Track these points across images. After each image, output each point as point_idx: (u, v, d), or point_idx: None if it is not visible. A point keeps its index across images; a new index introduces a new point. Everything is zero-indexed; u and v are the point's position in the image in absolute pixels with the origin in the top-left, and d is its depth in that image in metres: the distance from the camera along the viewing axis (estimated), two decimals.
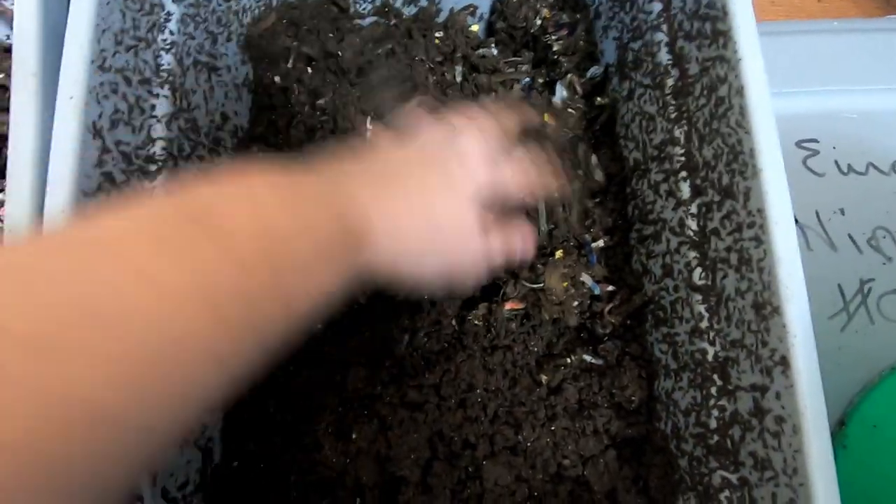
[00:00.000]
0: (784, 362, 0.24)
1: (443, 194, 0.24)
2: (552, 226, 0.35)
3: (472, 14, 0.43)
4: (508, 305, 0.35)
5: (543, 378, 0.35)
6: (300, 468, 0.33)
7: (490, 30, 0.44)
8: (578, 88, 0.38)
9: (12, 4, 0.37)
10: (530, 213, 0.35)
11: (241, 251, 0.15)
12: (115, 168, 0.26)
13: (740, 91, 0.26)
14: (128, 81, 0.28)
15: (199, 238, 0.15)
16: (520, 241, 0.28)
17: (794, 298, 0.24)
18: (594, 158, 0.38)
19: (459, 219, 0.24)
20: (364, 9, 0.43)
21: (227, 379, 0.15)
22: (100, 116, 0.25)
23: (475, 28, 0.43)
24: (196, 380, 0.14)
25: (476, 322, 0.35)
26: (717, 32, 0.28)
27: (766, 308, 0.25)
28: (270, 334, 0.16)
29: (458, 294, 0.33)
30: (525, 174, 0.28)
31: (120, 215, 0.15)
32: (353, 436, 0.33)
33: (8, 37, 0.39)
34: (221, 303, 0.15)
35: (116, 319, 0.13)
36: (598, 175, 0.38)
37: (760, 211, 0.25)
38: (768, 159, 0.25)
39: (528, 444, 0.33)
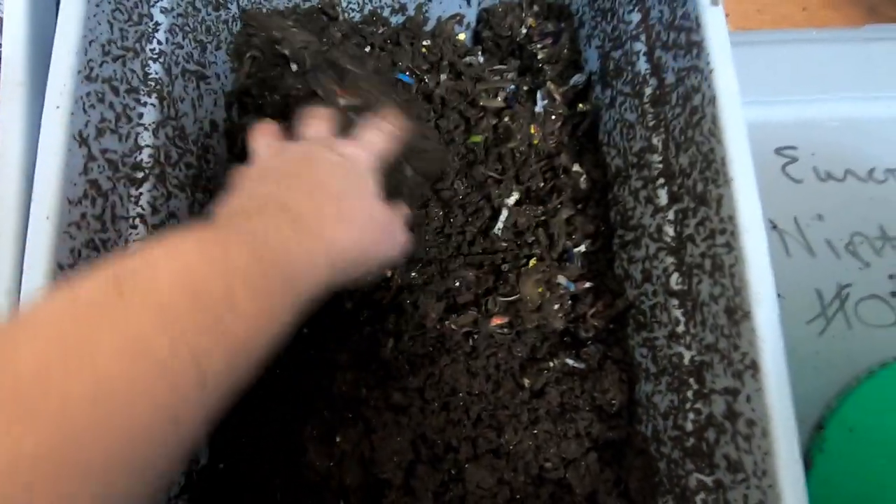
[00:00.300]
0: (754, 366, 0.24)
1: (353, 189, 0.26)
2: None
3: (460, 23, 0.44)
4: (494, 321, 0.35)
5: (526, 382, 0.35)
6: (285, 471, 0.33)
7: (477, 38, 0.45)
8: (557, 97, 0.39)
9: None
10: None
11: (166, 304, 0.16)
12: (101, 175, 0.27)
13: (712, 101, 0.27)
14: (115, 91, 0.28)
15: (126, 302, 0.15)
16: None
17: (763, 303, 0.24)
18: (577, 166, 0.39)
19: (375, 208, 0.26)
20: (353, 17, 0.43)
21: (184, 430, 0.16)
22: (86, 125, 0.26)
23: (462, 37, 0.44)
24: (150, 433, 0.15)
25: (459, 328, 0.35)
26: (692, 43, 0.28)
27: (738, 313, 0.25)
28: (216, 375, 0.16)
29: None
30: (384, 131, 0.30)
31: (56, 297, 0.16)
32: (338, 439, 0.33)
33: None
34: (161, 355, 0.15)
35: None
36: (583, 182, 0.39)
37: (731, 218, 0.26)
38: (739, 168, 0.26)
39: (511, 447, 0.34)
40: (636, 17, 0.34)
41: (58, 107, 0.25)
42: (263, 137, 0.29)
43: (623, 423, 0.34)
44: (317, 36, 0.42)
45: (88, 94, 0.26)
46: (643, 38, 0.33)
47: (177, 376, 0.15)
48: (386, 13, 0.42)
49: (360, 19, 0.43)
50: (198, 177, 0.36)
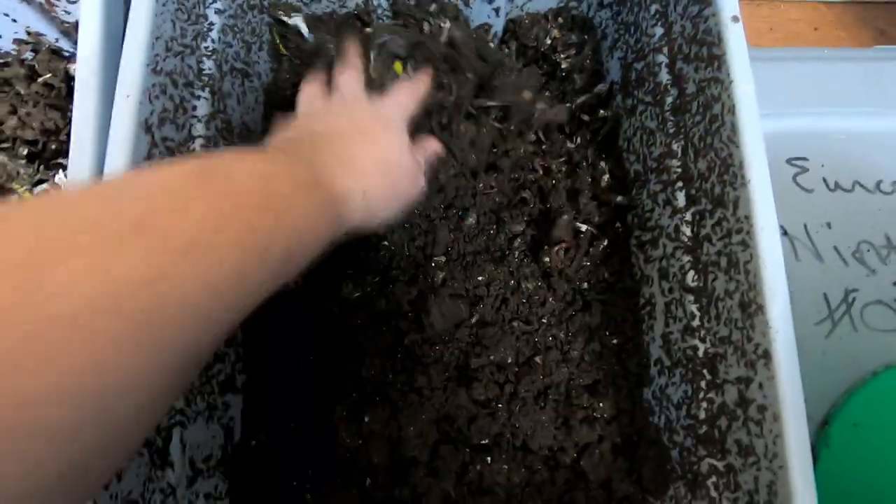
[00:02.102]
0: (766, 355, 0.26)
1: (386, 140, 0.29)
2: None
3: (487, 32, 0.46)
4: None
5: (539, 362, 0.37)
6: (315, 449, 0.35)
7: (502, 48, 0.47)
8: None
9: (65, 13, 0.40)
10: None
11: (242, 192, 0.18)
12: (161, 161, 0.29)
13: (732, 110, 0.29)
14: (175, 84, 0.31)
15: (209, 184, 0.18)
16: (432, 149, 0.35)
17: (776, 298, 0.26)
18: (602, 164, 0.41)
19: (404, 157, 0.29)
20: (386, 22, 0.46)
21: (244, 298, 0.18)
22: (151, 114, 0.28)
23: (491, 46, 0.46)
24: (223, 291, 0.16)
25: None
26: (713, 56, 0.30)
27: (752, 307, 0.27)
28: (274, 257, 0.18)
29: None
30: (412, 89, 0.34)
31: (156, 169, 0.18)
32: (366, 419, 0.35)
33: (57, 40, 0.42)
34: (241, 227, 0.17)
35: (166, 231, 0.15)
36: (605, 179, 0.41)
37: (748, 217, 0.28)
38: (755, 171, 0.27)
39: (528, 433, 0.35)
40: (659, 31, 0.36)
41: (128, 96, 0.27)
42: (307, 95, 0.32)
43: (637, 419, 0.36)
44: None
45: (154, 85, 0.28)
46: (666, 50, 0.35)
47: (246, 249, 0.17)
48: (413, 13, 0.44)
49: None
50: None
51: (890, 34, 0.66)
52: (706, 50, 0.31)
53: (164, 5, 0.29)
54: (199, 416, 0.31)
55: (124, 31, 0.28)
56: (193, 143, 0.32)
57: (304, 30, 0.43)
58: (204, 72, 0.33)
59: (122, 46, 0.28)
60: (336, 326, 0.37)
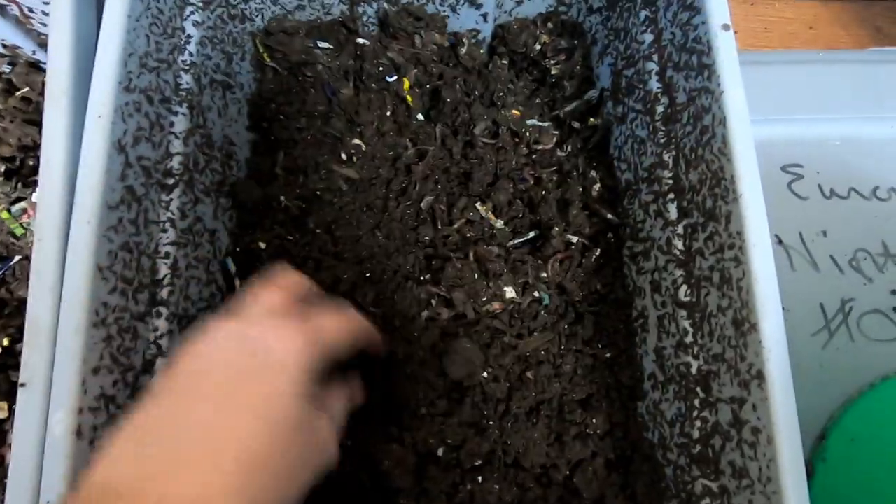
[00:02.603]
0: (760, 376, 0.25)
1: (261, 418, 0.20)
2: None
3: (476, 38, 0.45)
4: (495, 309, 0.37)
5: (531, 377, 0.36)
6: None
7: (491, 52, 0.46)
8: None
9: (42, 25, 0.39)
10: None
11: None
12: (136, 182, 0.28)
13: (723, 121, 0.28)
14: (150, 100, 0.30)
15: None
16: (357, 395, 0.28)
17: (769, 316, 0.25)
18: (593, 173, 0.40)
19: (297, 431, 0.21)
20: (371, 31, 0.45)
21: None
22: (124, 134, 0.27)
23: (482, 51, 0.45)
24: None
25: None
26: (703, 65, 0.29)
27: (745, 325, 0.26)
28: None
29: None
30: (344, 320, 0.26)
31: None
32: (348, 442, 0.34)
33: (34, 52, 0.41)
34: None
35: None
36: (596, 189, 0.40)
37: (740, 233, 0.27)
38: (747, 186, 0.27)
39: (520, 451, 0.35)
40: (649, 37, 0.35)
41: (99, 116, 0.26)
42: (224, 326, 0.23)
43: (630, 433, 0.35)
44: (339, 49, 0.43)
45: (127, 104, 0.27)
46: (655, 58, 0.34)
47: None
48: (405, 26, 0.43)
49: (378, 33, 0.45)
50: (222, 182, 0.37)
51: (888, 32, 0.65)
52: (696, 59, 0.30)
53: (137, 20, 0.28)
54: None
55: (96, 41, 0.27)
56: (171, 160, 0.31)
57: None
58: (181, 87, 0.33)
59: (93, 58, 0.28)
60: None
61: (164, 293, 0.30)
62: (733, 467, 0.27)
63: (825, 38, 0.65)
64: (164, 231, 0.30)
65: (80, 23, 0.28)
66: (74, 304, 0.24)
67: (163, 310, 0.29)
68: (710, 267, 0.29)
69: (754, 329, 0.26)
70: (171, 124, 0.32)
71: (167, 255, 0.30)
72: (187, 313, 0.32)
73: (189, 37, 0.34)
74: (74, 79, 0.28)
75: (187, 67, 0.33)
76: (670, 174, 0.33)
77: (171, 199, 0.31)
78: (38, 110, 0.40)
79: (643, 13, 0.35)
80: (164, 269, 0.30)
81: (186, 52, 0.33)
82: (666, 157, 0.33)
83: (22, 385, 0.23)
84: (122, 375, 0.26)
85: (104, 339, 0.25)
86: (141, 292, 0.28)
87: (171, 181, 0.31)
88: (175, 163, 0.31)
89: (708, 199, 0.29)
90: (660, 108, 0.34)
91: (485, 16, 0.43)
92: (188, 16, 0.34)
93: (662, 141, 0.33)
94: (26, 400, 0.23)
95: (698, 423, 0.30)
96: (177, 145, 0.32)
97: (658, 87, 0.34)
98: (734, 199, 0.27)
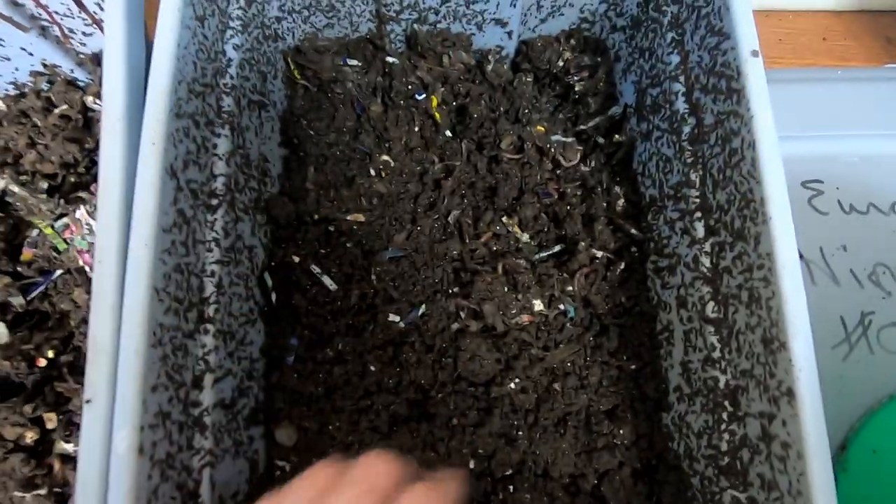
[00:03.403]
0: (790, 393, 0.26)
1: None
2: None
3: (500, 54, 0.46)
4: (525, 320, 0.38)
5: (558, 388, 0.37)
6: None
7: (515, 68, 0.47)
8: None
9: (81, 45, 0.40)
10: None
11: None
12: (185, 204, 0.29)
13: (752, 145, 0.29)
14: (197, 125, 0.31)
15: None
16: None
17: (799, 335, 0.26)
18: (617, 188, 0.41)
19: None
20: (399, 48, 0.46)
21: None
22: (175, 158, 0.28)
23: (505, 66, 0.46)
24: None
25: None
26: (732, 90, 0.30)
27: (774, 343, 0.27)
28: None
29: None
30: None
31: None
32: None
33: (72, 70, 0.42)
34: None
35: None
36: (620, 204, 0.41)
37: (769, 255, 0.28)
38: (777, 208, 0.28)
39: (549, 461, 0.36)
40: (675, 59, 0.36)
41: (153, 143, 0.27)
42: (308, 481, 0.23)
43: (656, 443, 0.36)
44: (367, 66, 0.44)
45: (178, 129, 0.29)
46: (682, 79, 0.35)
47: None
48: (433, 45, 0.44)
49: (406, 51, 0.46)
50: (258, 199, 0.38)
51: None
52: (725, 83, 0.31)
53: (185, 48, 0.29)
54: (227, 453, 0.31)
55: (146, 66, 0.28)
56: (216, 181, 0.32)
57: None
58: (224, 109, 0.34)
59: (144, 82, 0.29)
60: (353, 359, 0.38)
61: (210, 311, 0.31)
62: (762, 479, 0.28)
63: (838, 49, 0.66)
64: (210, 250, 0.31)
65: (131, 49, 0.29)
66: (134, 326, 0.25)
67: (209, 327, 0.31)
68: (738, 285, 0.30)
69: (784, 347, 0.27)
70: (215, 146, 0.33)
71: (213, 274, 0.31)
72: (230, 329, 0.33)
73: (230, 60, 0.35)
74: (128, 104, 0.29)
75: (228, 90, 0.34)
76: (697, 193, 0.34)
77: (216, 220, 0.32)
78: (77, 127, 0.41)
79: (670, 35, 0.36)
80: (209, 288, 0.31)
81: (227, 75, 0.34)
82: (693, 176, 0.34)
83: (87, 402, 0.25)
84: (175, 392, 0.27)
85: (161, 358, 0.26)
86: (190, 311, 0.29)
87: (215, 202, 0.32)
88: (219, 183, 0.32)
89: (736, 220, 0.30)
90: (686, 129, 0.35)
91: (509, 33, 0.44)
92: (228, 39, 0.35)
93: (689, 160, 0.34)
94: (91, 415, 0.24)
95: (726, 436, 0.31)
96: (220, 166, 0.33)
97: (685, 108, 0.35)
98: (764, 221, 0.28)
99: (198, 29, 0.31)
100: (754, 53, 0.30)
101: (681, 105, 0.35)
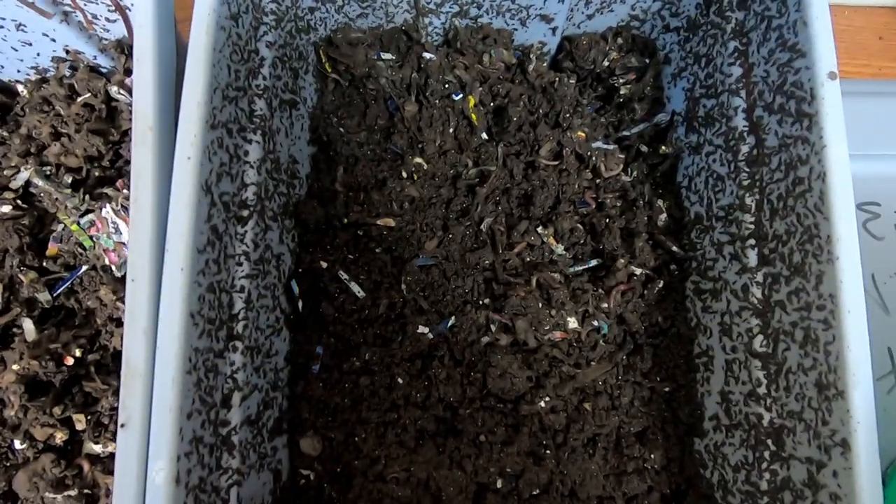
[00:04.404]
0: (845, 444, 0.25)
1: None
2: None
3: (541, 51, 0.43)
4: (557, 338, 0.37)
5: (588, 408, 0.36)
6: (361, 490, 0.35)
7: (556, 66, 0.44)
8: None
9: (104, 30, 0.38)
10: None
11: None
12: (218, 220, 0.28)
13: (822, 176, 0.27)
14: (230, 133, 0.29)
15: None
16: None
17: (860, 386, 0.25)
18: (659, 202, 0.39)
19: None
20: (434, 41, 0.43)
21: None
22: (210, 173, 0.27)
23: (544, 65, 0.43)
24: None
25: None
26: (802, 113, 0.28)
27: (831, 389, 0.26)
28: None
29: None
30: None
31: None
32: (412, 468, 0.35)
33: (95, 57, 0.40)
34: None
35: None
36: (662, 219, 0.39)
37: (832, 296, 0.26)
38: (846, 248, 0.26)
39: (577, 482, 0.35)
40: (737, 70, 0.33)
41: (189, 157, 0.26)
42: None
43: (687, 469, 0.36)
44: (401, 59, 0.42)
45: (212, 141, 0.27)
46: (743, 94, 0.33)
47: None
48: (473, 43, 0.42)
49: (440, 41, 0.43)
50: (286, 204, 0.37)
51: None
52: (794, 104, 0.29)
53: (220, 52, 0.28)
54: (252, 468, 0.31)
55: (176, 71, 0.27)
56: (246, 190, 0.31)
57: None
58: (255, 113, 0.32)
59: (174, 87, 0.27)
60: (380, 370, 0.37)
61: (239, 327, 0.30)
62: None
63: (894, 48, 0.62)
64: (240, 264, 0.30)
65: (161, 53, 0.28)
66: (169, 354, 0.24)
67: (238, 344, 0.30)
68: (793, 323, 0.29)
69: (842, 396, 0.26)
70: (246, 153, 0.31)
71: (242, 289, 0.30)
72: (257, 343, 0.32)
73: (262, 59, 0.33)
74: (159, 113, 0.27)
75: (261, 92, 0.32)
76: (752, 219, 0.32)
77: (246, 231, 0.31)
78: (101, 118, 0.40)
79: (732, 44, 0.34)
80: (239, 304, 0.30)
81: (260, 76, 0.32)
82: (748, 200, 0.32)
83: (121, 426, 0.24)
84: (207, 414, 0.27)
85: (195, 383, 0.25)
86: (220, 329, 0.28)
87: (245, 213, 0.31)
88: (249, 193, 0.31)
89: (796, 253, 0.29)
90: (745, 148, 0.33)
91: (554, 30, 0.42)
92: (261, 36, 0.33)
93: (745, 183, 0.32)
94: (126, 440, 0.24)
95: (767, 476, 0.30)
96: (251, 175, 0.31)
97: (744, 126, 0.33)
98: (829, 260, 0.26)
99: (232, 29, 0.29)
100: (832, 76, 0.27)
101: (740, 122, 0.33)
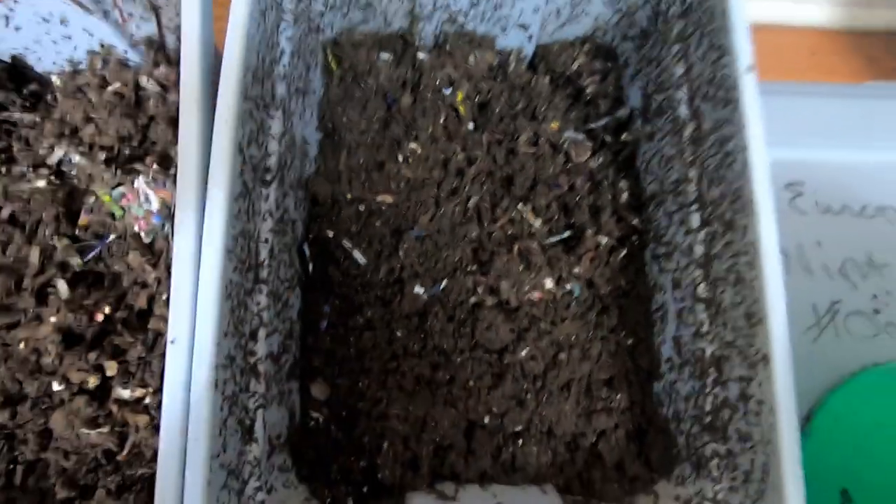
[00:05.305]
0: (766, 359, 0.31)
1: None
2: None
3: (520, 55, 0.50)
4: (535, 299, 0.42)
5: (563, 358, 0.42)
6: (365, 431, 0.39)
7: (532, 69, 0.51)
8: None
9: (136, 28, 0.44)
10: None
11: None
12: (248, 178, 0.33)
13: (744, 149, 0.33)
14: (258, 107, 0.35)
15: None
16: None
17: (775, 311, 0.31)
18: (622, 182, 0.45)
19: None
20: (427, 43, 0.50)
21: None
22: (242, 137, 0.32)
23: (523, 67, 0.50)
24: None
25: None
26: (728, 100, 0.35)
27: (755, 318, 0.32)
28: None
29: None
30: None
31: None
32: (410, 408, 0.39)
33: (125, 52, 0.45)
34: None
35: None
36: (624, 196, 0.45)
37: (754, 243, 0.32)
38: (763, 205, 0.32)
39: (553, 421, 0.40)
40: (680, 69, 0.40)
41: (226, 121, 0.31)
42: None
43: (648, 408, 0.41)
44: (397, 59, 0.48)
45: (244, 111, 0.32)
46: (685, 88, 0.40)
47: None
48: (461, 46, 0.48)
49: (433, 45, 0.50)
50: (299, 178, 0.42)
51: (881, 62, 0.72)
52: (723, 93, 0.36)
53: (251, 39, 0.33)
54: (274, 399, 0.35)
55: (212, 55, 0.32)
56: (269, 158, 0.36)
57: None
58: (277, 94, 0.37)
59: (210, 69, 0.32)
60: (381, 326, 0.42)
61: (264, 273, 0.35)
62: (739, 433, 0.33)
63: (825, 64, 0.71)
64: (265, 220, 0.35)
65: (204, 37, 0.33)
66: (211, 279, 0.29)
67: (263, 287, 0.35)
68: (727, 269, 0.35)
69: (762, 321, 0.32)
70: (269, 127, 0.37)
71: (266, 241, 0.35)
72: (278, 291, 0.37)
73: (283, 50, 0.38)
74: (202, 86, 0.32)
75: (281, 77, 0.38)
76: (695, 188, 0.39)
77: (269, 193, 0.36)
78: (130, 105, 0.45)
79: (675, 47, 0.41)
80: (263, 253, 0.35)
81: (280, 64, 0.38)
82: (691, 173, 0.39)
83: (171, 342, 0.28)
84: (238, 341, 0.31)
85: (231, 309, 0.30)
86: (250, 271, 0.33)
87: (268, 177, 0.36)
88: (272, 161, 0.36)
89: (727, 213, 0.35)
90: (687, 131, 0.39)
91: (530, 37, 0.48)
92: (282, 31, 0.39)
93: (689, 160, 0.39)
94: (174, 353, 0.28)
95: (710, 398, 0.36)
96: (273, 146, 0.37)
97: (686, 114, 0.40)
98: (751, 214, 0.33)
99: (261, 23, 0.35)
100: (749, 69, 0.34)
101: (683, 111, 0.40)
